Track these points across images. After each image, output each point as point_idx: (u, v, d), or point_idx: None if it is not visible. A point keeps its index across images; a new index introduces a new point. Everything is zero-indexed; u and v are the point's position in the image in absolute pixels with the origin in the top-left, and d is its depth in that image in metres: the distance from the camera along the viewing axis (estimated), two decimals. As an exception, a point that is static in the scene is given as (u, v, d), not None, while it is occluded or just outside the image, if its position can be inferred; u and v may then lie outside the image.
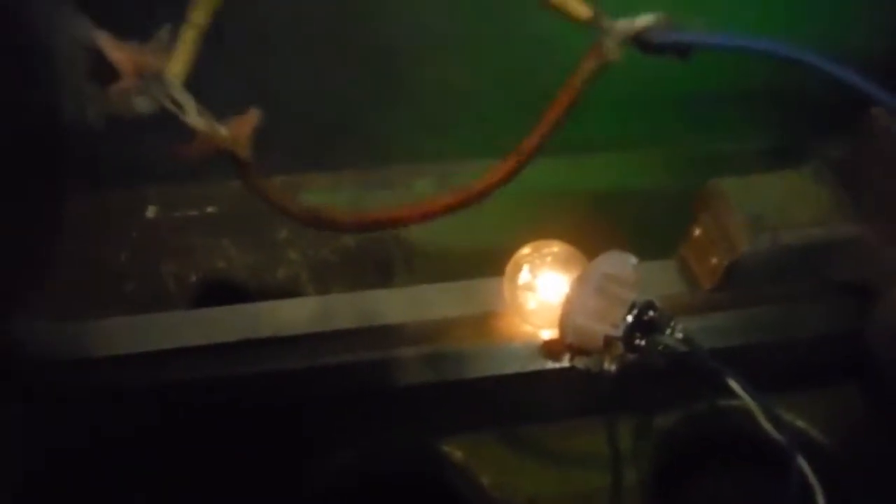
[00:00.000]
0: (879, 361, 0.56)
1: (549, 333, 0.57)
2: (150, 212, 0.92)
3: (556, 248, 0.57)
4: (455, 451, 0.58)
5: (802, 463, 0.43)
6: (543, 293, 0.57)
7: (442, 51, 0.89)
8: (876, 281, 0.57)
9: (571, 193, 0.98)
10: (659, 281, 0.61)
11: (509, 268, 0.58)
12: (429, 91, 0.91)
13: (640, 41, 0.30)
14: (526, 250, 0.58)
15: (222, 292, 0.91)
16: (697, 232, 0.62)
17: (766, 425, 0.46)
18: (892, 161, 0.57)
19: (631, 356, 0.50)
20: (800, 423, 0.59)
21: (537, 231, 0.96)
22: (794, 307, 0.59)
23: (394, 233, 0.95)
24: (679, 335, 0.50)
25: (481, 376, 0.55)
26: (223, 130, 0.29)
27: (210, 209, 0.93)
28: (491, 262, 0.94)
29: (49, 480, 0.52)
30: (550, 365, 0.55)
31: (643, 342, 0.50)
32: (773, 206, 0.59)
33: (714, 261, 0.59)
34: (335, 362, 0.55)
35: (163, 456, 0.55)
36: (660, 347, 0.49)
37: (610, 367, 0.49)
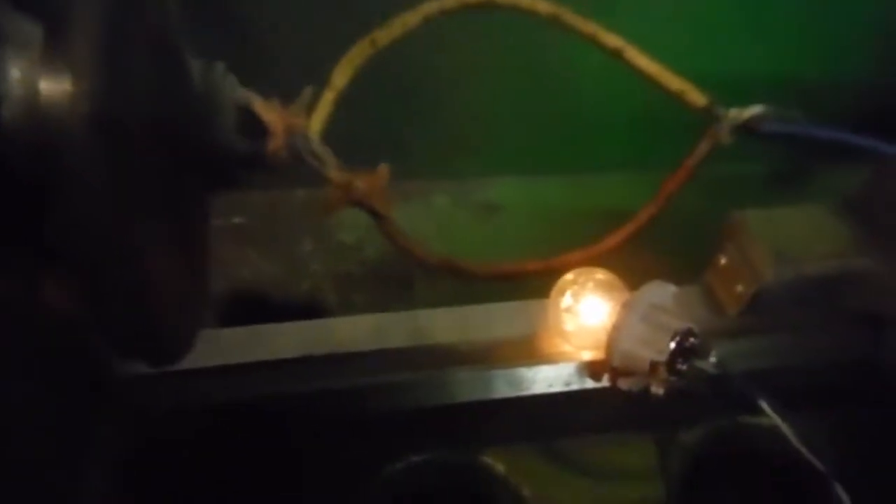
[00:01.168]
0: (891, 387, 0.61)
1: (588, 354, 0.60)
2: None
3: (598, 275, 0.61)
4: (497, 464, 0.62)
5: (840, 490, 0.48)
6: (584, 317, 0.61)
7: (466, 74, 0.93)
8: (888, 312, 0.62)
9: (586, 212, 1.02)
10: (686, 306, 0.65)
11: (554, 292, 0.62)
12: (450, 110, 0.95)
13: (748, 128, 0.34)
14: (570, 276, 0.62)
15: (248, 301, 0.94)
16: (723, 261, 0.66)
17: (803, 450, 0.51)
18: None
19: (673, 380, 0.54)
20: (817, 440, 0.63)
21: (552, 248, 1.00)
22: (812, 334, 0.63)
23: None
24: (713, 360, 0.54)
25: (527, 395, 0.59)
26: (360, 184, 0.32)
27: (237, 220, 0.96)
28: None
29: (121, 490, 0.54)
30: (591, 385, 0.59)
31: (685, 367, 0.54)
32: (795, 238, 0.63)
33: (739, 288, 0.64)
34: (389, 380, 0.58)
35: (224, 467, 0.58)
36: (700, 374, 0.53)
37: (658, 390, 0.53)
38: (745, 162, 1.03)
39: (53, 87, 0.23)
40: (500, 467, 0.62)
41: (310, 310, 0.94)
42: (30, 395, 0.32)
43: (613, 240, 0.39)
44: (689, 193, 1.02)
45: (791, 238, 0.63)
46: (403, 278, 0.96)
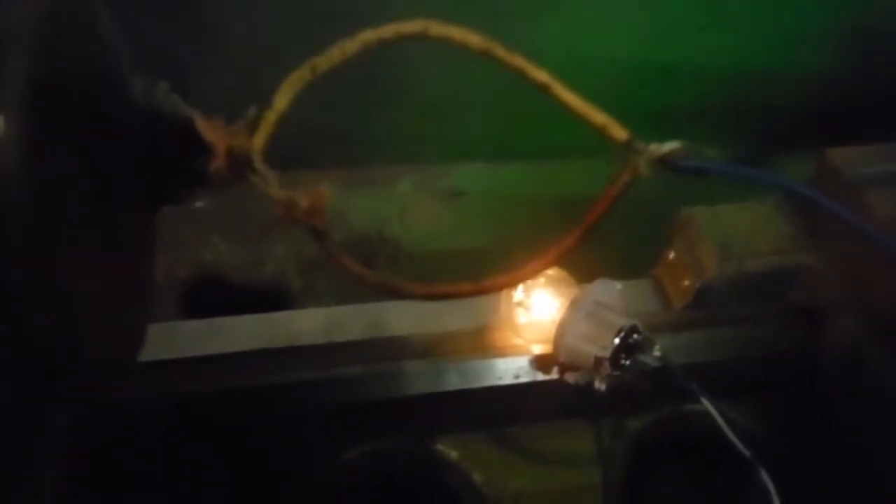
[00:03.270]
0: (824, 377, 0.64)
1: (539, 348, 0.63)
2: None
3: (550, 270, 0.62)
4: (450, 451, 0.64)
5: (764, 474, 0.51)
6: (535, 311, 0.63)
7: (426, 60, 0.93)
8: (825, 307, 0.65)
9: (547, 197, 1.04)
10: (636, 298, 0.67)
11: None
12: (415, 98, 0.95)
13: (664, 162, 0.36)
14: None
15: (211, 286, 0.94)
16: (672, 255, 0.68)
17: (733, 438, 0.53)
18: (841, 197, 0.64)
19: (617, 374, 0.56)
20: (754, 428, 0.66)
21: (514, 234, 1.02)
22: (753, 327, 0.66)
23: (379, 232, 1.00)
24: (657, 354, 0.57)
25: (479, 387, 0.61)
26: (301, 202, 0.34)
27: (199, 203, 0.96)
28: (469, 261, 1.00)
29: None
30: (541, 377, 0.61)
31: (628, 362, 0.56)
32: (740, 235, 0.65)
33: (686, 283, 0.66)
34: (345, 372, 0.60)
35: (181, 458, 0.59)
36: (643, 367, 0.55)
37: (600, 385, 0.55)
38: (706, 148, 1.05)
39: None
40: (452, 454, 0.64)
41: (273, 295, 0.95)
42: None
43: (536, 265, 0.41)
44: (645, 182, 1.05)
45: (735, 235, 0.65)
46: (365, 263, 0.97)
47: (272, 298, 0.94)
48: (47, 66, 0.25)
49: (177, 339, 0.60)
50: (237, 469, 0.61)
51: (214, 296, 0.94)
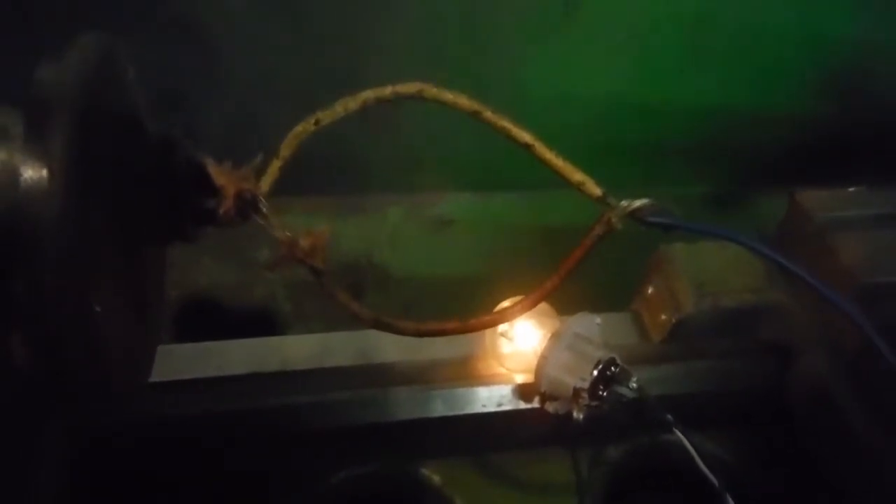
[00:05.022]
0: (795, 411, 0.67)
1: (521, 377, 0.65)
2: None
3: (531, 303, 0.65)
4: (433, 476, 0.66)
5: (730, 502, 0.53)
6: (519, 341, 0.65)
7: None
8: (795, 343, 0.68)
9: (534, 227, 1.07)
10: (615, 331, 0.70)
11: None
12: (406, 127, 0.98)
13: (635, 217, 0.39)
14: (506, 303, 0.66)
15: (202, 308, 0.96)
16: (650, 290, 0.71)
17: (703, 467, 0.56)
18: (812, 240, 0.67)
19: (595, 405, 0.58)
20: (727, 458, 0.69)
21: (499, 261, 1.04)
22: (727, 362, 0.69)
23: (368, 257, 1.02)
24: (634, 385, 0.59)
25: (463, 414, 0.63)
26: (303, 243, 0.36)
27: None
28: (455, 287, 1.02)
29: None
30: (522, 405, 0.64)
31: (605, 393, 0.58)
32: (715, 273, 0.69)
33: (663, 317, 0.69)
34: (333, 398, 0.62)
35: (172, 480, 0.61)
36: (620, 398, 0.58)
37: (578, 414, 0.58)
38: (686, 186, 1.09)
39: (32, 176, 0.26)
40: (435, 479, 0.66)
41: (263, 318, 0.97)
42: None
43: (518, 308, 0.43)
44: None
45: (711, 273, 0.68)
46: (355, 287, 1.00)
47: (262, 321, 0.96)
48: (87, 119, 0.28)
49: (169, 361, 0.62)
50: (225, 491, 0.63)
51: (205, 318, 0.95)
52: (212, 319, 0.96)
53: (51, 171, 0.26)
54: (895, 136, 0.96)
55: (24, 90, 0.28)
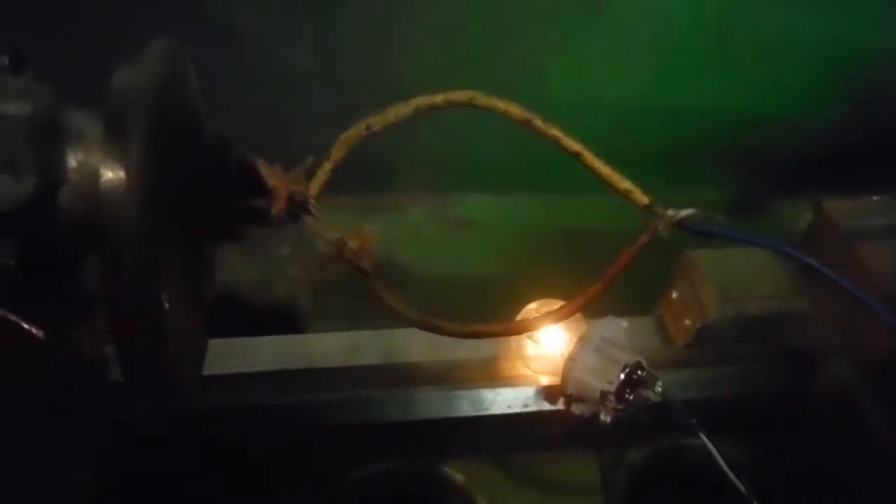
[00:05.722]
0: (817, 417, 0.67)
1: (546, 379, 0.66)
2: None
3: (557, 306, 0.66)
4: (456, 474, 0.67)
5: (757, 508, 0.54)
6: (545, 344, 0.66)
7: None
8: (819, 350, 0.68)
9: (553, 231, 1.07)
10: (640, 336, 0.70)
11: (518, 319, 0.67)
12: (430, 127, 0.99)
13: (681, 226, 0.39)
14: (533, 305, 0.67)
15: (223, 304, 0.97)
16: (674, 295, 0.72)
17: (727, 471, 0.57)
18: (836, 249, 0.68)
19: (621, 408, 0.59)
20: (748, 463, 0.70)
21: (517, 263, 1.05)
22: (750, 367, 0.69)
23: (389, 257, 1.03)
24: (659, 389, 0.60)
25: (489, 414, 0.64)
26: (351, 244, 0.37)
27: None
28: (475, 288, 1.03)
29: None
30: (548, 407, 0.64)
31: (631, 396, 0.59)
32: (740, 279, 0.69)
33: (687, 322, 0.70)
34: (360, 395, 0.63)
35: (200, 474, 0.62)
36: (646, 402, 0.59)
37: (605, 417, 0.59)
38: (707, 191, 1.09)
39: (112, 177, 0.27)
40: (458, 477, 0.67)
41: (283, 314, 0.98)
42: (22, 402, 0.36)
43: (561, 312, 0.44)
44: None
45: (736, 279, 0.69)
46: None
47: (283, 318, 0.97)
48: (159, 123, 0.29)
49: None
50: (250, 486, 0.64)
51: (227, 313, 0.96)
52: (233, 316, 0.96)
53: (128, 173, 0.27)
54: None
55: (99, 93, 0.29)
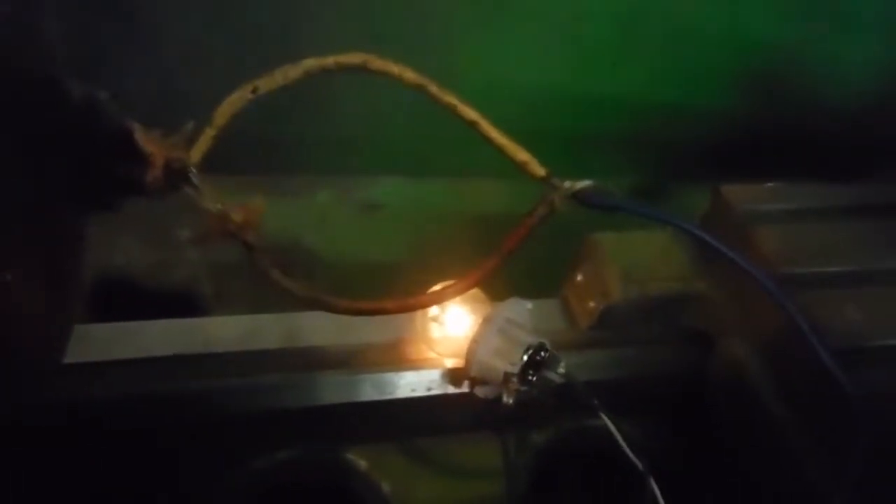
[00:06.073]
0: (713, 397, 0.69)
1: (451, 362, 0.65)
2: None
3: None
4: (359, 461, 0.65)
5: (654, 484, 0.54)
6: (449, 326, 0.65)
7: (354, 75, 0.94)
8: (715, 331, 0.70)
9: (462, 214, 1.07)
10: (544, 318, 0.70)
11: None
12: (338, 109, 0.97)
13: (578, 198, 0.39)
14: (437, 287, 0.65)
15: (120, 289, 0.92)
16: (579, 278, 0.72)
17: (627, 450, 0.57)
18: (732, 232, 0.69)
19: (524, 389, 0.59)
20: (650, 443, 0.71)
21: (429, 248, 1.04)
22: (652, 349, 0.70)
23: (296, 241, 1.00)
24: (562, 371, 0.60)
25: (392, 398, 0.62)
26: (235, 216, 0.35)
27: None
28: (384, 272, 1.02)
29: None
30: (452, 390, 0.64)
31: (535, 378, 0.59)
32: (642, 261, 0.70)
33: (591, 304, 0.70)
34: (259, 381, 0.60)
35: (90, 464, 0.58)
36: (549, 383, 0.59)
37: (508, 399, 0.58)
38: (613, 176, 1.11)
39: None
40: (362, 464, 0.65)
41: (184, 299, 0.94)
42: None
43: (457, 287, 0.43)
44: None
45: (639, 261, 0.70)
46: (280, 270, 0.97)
47: (182, 303, 0.93)
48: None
49: (85, 342, 0.59)
50: (146, 475, 0.60)
51: (123, 299, 0.91)
52: (129, 300, 0.92)
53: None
54: (813, 135, 1.00)
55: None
